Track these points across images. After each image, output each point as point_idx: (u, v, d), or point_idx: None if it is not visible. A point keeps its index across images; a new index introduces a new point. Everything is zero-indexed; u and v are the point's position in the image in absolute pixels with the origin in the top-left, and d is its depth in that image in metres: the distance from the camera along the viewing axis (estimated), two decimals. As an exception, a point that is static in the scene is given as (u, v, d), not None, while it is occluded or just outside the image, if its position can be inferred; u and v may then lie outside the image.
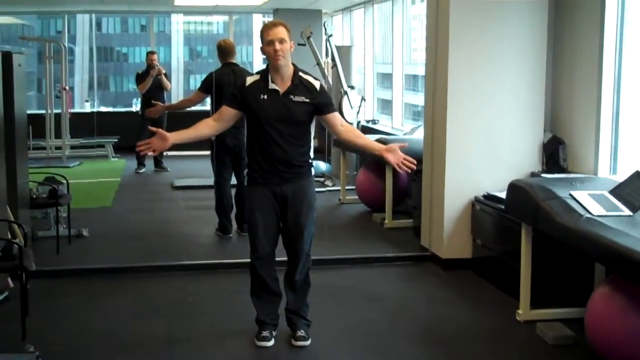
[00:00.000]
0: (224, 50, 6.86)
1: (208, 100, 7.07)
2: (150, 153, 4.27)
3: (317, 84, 4.24)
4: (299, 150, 4.22)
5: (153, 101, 7.73)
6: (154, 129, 4.25)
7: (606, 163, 5.38)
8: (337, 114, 4.33)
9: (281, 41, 4.09)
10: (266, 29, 4.15)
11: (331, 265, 5.91)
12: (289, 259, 4.39)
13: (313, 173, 4.36)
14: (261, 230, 4.26)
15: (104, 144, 12.65)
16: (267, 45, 4.11)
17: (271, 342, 4.32)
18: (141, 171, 11.11)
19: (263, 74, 4.21)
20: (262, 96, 4.15)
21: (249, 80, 4.23)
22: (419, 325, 4.76)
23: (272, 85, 4.15)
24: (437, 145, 5.96)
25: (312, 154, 4.33)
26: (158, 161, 11.22)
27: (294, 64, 4.23)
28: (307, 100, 4.17)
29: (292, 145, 4.18)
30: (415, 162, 4.13)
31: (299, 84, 4.18)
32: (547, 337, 4.38)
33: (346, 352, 4.31)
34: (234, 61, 6.83)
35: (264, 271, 4.34)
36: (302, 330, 4.36)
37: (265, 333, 4.34)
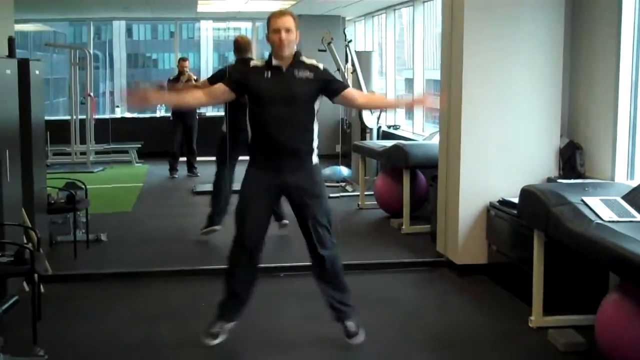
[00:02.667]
0: (240, 45, 6.94)
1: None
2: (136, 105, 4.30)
3: (320, 65, 4.23)
4: (302, 136, 4.17)
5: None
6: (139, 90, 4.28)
7: (623, 168, 5.31)
8: (350, 89, 4.33)
9: (287, 30, 4.08)
10: (273, 17, 4.14)
11: (346, 271, 5.85)
12: (314, 251, 4.31)
13: (316, 161, 4.29)
14: (249, 217, 4.21)
15: (128, 150, 12.76)
16: (273, 34, 4.10)
17: (218, 340, 4.32)
18: (175, 176, 11.20)
19: (266, 59, 4.22)
20: (265, 74, 4.13)
21: (253, 63, 4.26)
22: (430, 330, 4.73)
23: (275, 62, 4.13)
24: (452, 151, 5.92)
25: (316, 142, 4.26)
26: (191, 166, 11.32)
27: (297, 52, 4.22)
28: (311, 77, 4.14)
29: (295, 130, 4.14)
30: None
31: (301, 62, 4.17)
32: (558, 344, 4.34)
33: (356, 356, 4.30)
34: (248, 56, 6.89)
35: (238, 263, 4.30)
36: (350, 322, 4.33)
37: (215, 328, 4.33)
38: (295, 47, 4.18)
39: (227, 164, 6.97)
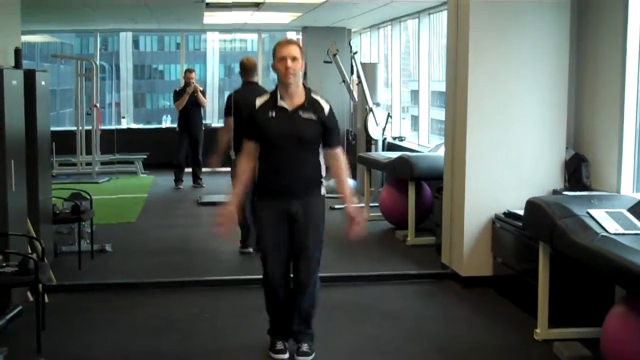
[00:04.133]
0: (246, 68, 6.93)
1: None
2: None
3: (326, 107, 4.24)
4: (307, 174, 4.21)
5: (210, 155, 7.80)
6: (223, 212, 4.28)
7: (629, 181, 5.28)
8: (338, 151, 4.32)
9: (293, 59, 4.11)
10: (279, 46, 4.18)
11: (351, 282, 5.90)
12: (295, 282, 4.35)
13: (323, 192, 4.32)
14: (271, 250, 4.27)
15: (134, 161, 12.78)
16: (279, 62, 4.13)
17: (286, 355, 4.32)
18: (180, 187, 11.22)
19: (272, 93, 4.24)
20: (270, 114, 4.16)
21: (259, 102, 4.26)
22: (435, 342, 4.71)
23: (280, 103, 4.16)
24: (457, 162, 5.91)
25: (323, 174, 4.29)
26: (196, 177, 11.33)
27: (304, 84, 4.25)
28: (315, 119, 4.16)
29: (301, 167, 4.17)
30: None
31: (308, 103, 4.18)
32: (564, 357, 4.31)
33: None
34: (254, 80, 6.88)
35: (274, 293, 4.35)
36: (305, 345, 4.33)
37: (279, 345, 4.34)
38: (301, 76, 4.20)
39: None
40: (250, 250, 6.86)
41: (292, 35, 15.38)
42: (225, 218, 4.25)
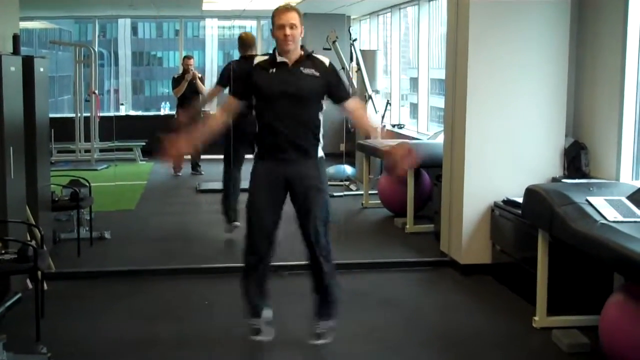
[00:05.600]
0: (244, 42, 6.94)
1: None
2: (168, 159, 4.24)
3: (326, 61, 4.21)
4: (308, 131, 4.15)
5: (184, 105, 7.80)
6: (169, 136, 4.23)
7: (628, 168, 5.28)
8: (351, 101, 4.28)
9: (292, 26, 4.06)
10: (278, 12, 4.11)
11: (349, 270, 5.88)
12: (308, 248, 4.27)
13: (322, 154, 4.26)
14: (258, 213, 4.21)
15: (132, 147, 12.76)
16: (278, 30, 4.07)
17: (266, 337, 4.32)
18: (179, 174, 11.21)
19: (271, 54, 4.20)
20: (271, 70, 4.11)
21: (257, 59, 4.23)
22: (434, 330, 4.72)
23: (280, 59, 4.11)
24: (456, 150, 5.91)
25: (321, 140, 4.24)
26: (195, 165, 11.32)
27: (302, 46, 4.19)
28: (317, 74, 4.11)
29: (301, 125, 4.13)
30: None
31: (307, 59, 4.15)
32: (562, 345, 4.32)
33: (359, 356, 4.30)
34: (253, 53, 6.87)
35: (251, 263, 4.30)
36: (322, 327, 4.32)
37: (256, 324, 4.34)
38: (300, 42, 4.16)
39: (234, 159, 6.96)
40: (237, 224, 6.87)
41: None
42: (172, 144, 4.14)
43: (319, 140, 4.23)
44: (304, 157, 4.18)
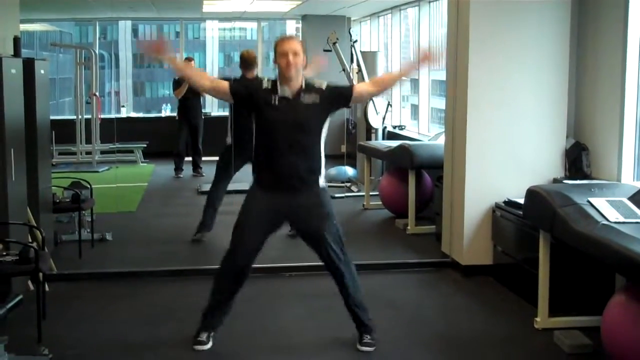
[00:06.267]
0: (246, 61, 6.90)
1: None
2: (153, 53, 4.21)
3: (323, 84, 4.24)
4: (309, 162, 4.18)
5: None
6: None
7: (630, 169, 5.29)
8: (357, 86, 4.42)
9: (295, 54, 4.10)
10: (280, 41, 4.19)
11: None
12: (331, 271, 4.35)
13: (323, 185, 4.28)
14: (246, 237, 4.25)
15: (133, 149, 12.76)
16: (280, 57, 4.11)
17: (209, 345, 4.34)
18: (180, 176, 11.21)
19: (273, 82, 4.21)
20: (273, 99, 4.14)
21: (264, 83, 4.24)
22: (435, 331, 4.72)
23: (282, 92, 4.15)
24: (457, 151, 5.90)
25: (323, 166, 4.27)
26: (196, 166, 11.33)
27: (304, 77, 4.23)
28: (317, 101, 4.15)
29: (302, 156, 4.15)
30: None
31: (306, 88, 4.17)
32: (564, 345, 4.32)
33: (361, 357, 4.29)
34: (254, 74, 6.85)
35: (227, 278, 4.35)
36: (368, 336, 4.35)
37: (202, 336, 4.35)
38: (302, 71, 4.19)
39: (226, 176, 6.99)
40: (202, 237, 6.93)
41: (291, 24, 15.38)
42: (155, 43, 4.20)
43: (320, 171, 4.25)
44: (306, 188, 4.20)
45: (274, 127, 4.14)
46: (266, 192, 4.23)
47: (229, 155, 6.84)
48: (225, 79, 6.82)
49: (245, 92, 4.28)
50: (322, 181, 4.27)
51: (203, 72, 4.47)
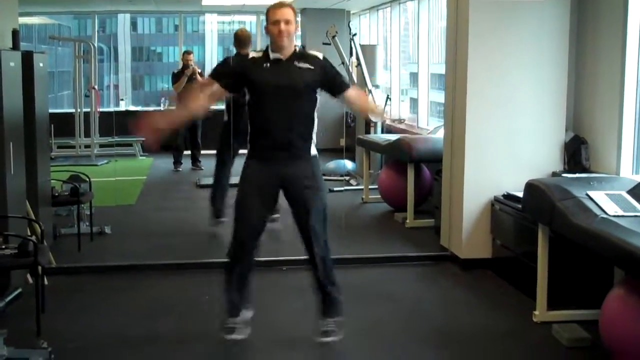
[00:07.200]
0: (240, 39, 6.95)
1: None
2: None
3: (320, 55, 4.21)
4: (301, 126, 4.15)
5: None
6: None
7: (629, 163, 5.28)
8: (352, 90, 4.29)
9: (287, 22, 4.06)
10: (272, 9, 4.12)
11: (349, 265, 5.88)
12: (308, 253, 4.30)
13: (315, 152, 4.25)
14: (247, 210, 4.21)
15: (132, 143, 12.75)
16: (272, 25, 4.08)
17: (241, 335, 4.32)
18: (179, 169, 11.21)
19: (264, 51, 4.19)
20: (264, 65, 4.11)
21: (251, 55, 4.23)
22: (434, 324, 4.73)
23: (273, 55, 4.11)
24: (456, 145, 5.90)
25: (314, 139, 4.24)
26: (195, 160, 11.33)
27: (295, 46, 4.20)
28: (312, 67, 4.12)
29: (294, 119, 4.12)
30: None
31: (300, 54, 4.15)
32: (563, 339, 4.32)
33: (359, 351, 4.30)
34: (248, 51, 6.85)
35: (236, 258, 4.31)
36: (332, 321, 4.31)
37: (230, 324, 4.33)
38: (294, 39, 4.17)
39: (228, 154, 7.00)
40: (224, 219, 6.87)
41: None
42: (147, 123, 4.19)
43: (312, 138, 4.23)
44: (298, 156, 4.18)
45: (266, 89, 4.10)
46: (259, 163, 4.20)
47: (228, 133, 6.86)
48: (213, 72, 6.87)
49: (235, 77, 4.27)
50: (313, 149, 4.25)
51: (194, 94, 4.40)
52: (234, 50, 7.33)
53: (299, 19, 4.19)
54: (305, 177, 4.20)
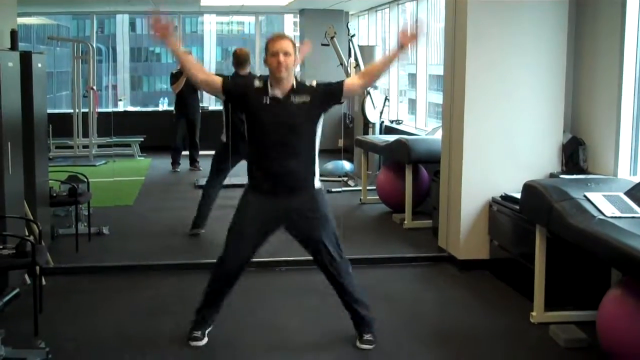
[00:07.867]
0: (239, 58, 6.88)
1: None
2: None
3: (313, 83, 4.21)
4: (302, 163, 4.15)
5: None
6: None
7: (626, 164, 5.29)
8: (346, 81, 4.27)
9: (286, 54, 4.04)
10: (272, 41, 4.12)
11: (347, 265, 5.89)
12: (329, 278, 4.35)
13: (319, 185, 4.25)
14: (240, 240, 4.23)
15: (130, 143, 12.75)
16: (271, 57, 4.06)
17: (204, 341, 4.34)
18: (177, 170, 11.22)
19: (264, 81, 4.18)
20: (264, 100, 4.11)
21: (256, 82, 4.21)
22: (432, 325, 4.73)
23: (272, 93, 4.10)
24: (454, 146, 5.91)
25: (317, 171, 4.24)
26: (193, 160, 11.33)
27: (295, 77, 4.20)
28: (308, 100, 4.11)
29: (295, 157, 4.12)
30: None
31: (297, 88, 4.14)
32: (560, 340, 4.33)
33: (357, 352, 4.29)
34: (246, 72, 6.84)
35: (219, 279, 4.35)
36: (367, 335, 4.34)
37: (196, 333, 4.35)
38: (293, 71, 4.16)
39: (222, 174, 7.00)
40: (202, 231, 6.95)
41: (289, 18, 15.35)
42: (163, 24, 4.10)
43: (314, 171, 4.22)
44: (299, 189, 4.18)
45: (265, 128, 4.11)
46: (260, 196, 4.20)
47: (225, 154, 6.82)
48: (220, 76, 6.86)
49: (237, 92, 4.26)
50: (317, 182, 4.24)
51: (200, 65, 4.42)
52: (232, 51, 7.30)
53: (298, 53, 4.17)
54: (309, 210, 4.20)
